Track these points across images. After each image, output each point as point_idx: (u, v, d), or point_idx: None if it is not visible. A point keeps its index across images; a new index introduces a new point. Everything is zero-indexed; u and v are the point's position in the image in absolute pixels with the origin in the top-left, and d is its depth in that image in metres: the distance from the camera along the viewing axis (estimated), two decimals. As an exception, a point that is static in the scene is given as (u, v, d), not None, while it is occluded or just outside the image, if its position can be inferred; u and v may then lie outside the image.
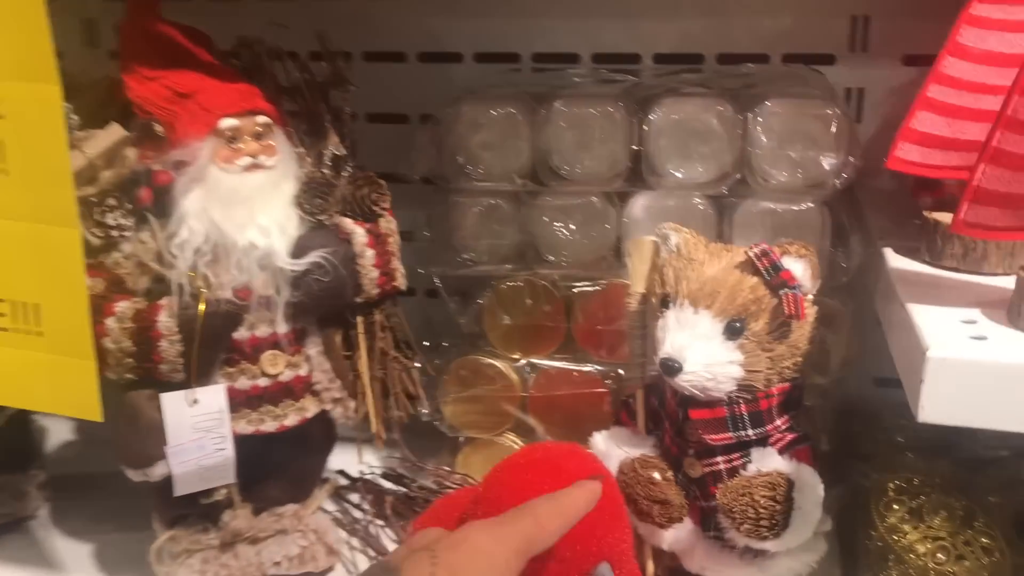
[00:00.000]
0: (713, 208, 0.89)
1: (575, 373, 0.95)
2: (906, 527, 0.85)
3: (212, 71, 0.76)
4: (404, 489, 0.96)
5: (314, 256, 0.77)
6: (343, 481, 0.97)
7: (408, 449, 0.96)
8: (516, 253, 0.94)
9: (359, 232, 0.80)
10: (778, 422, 0.75)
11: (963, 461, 0.98)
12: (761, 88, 0.88)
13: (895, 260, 0.74)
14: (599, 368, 0.95)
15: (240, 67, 0.80)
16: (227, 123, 0.74)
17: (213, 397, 0.76)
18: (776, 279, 0.70)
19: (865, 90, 1.01)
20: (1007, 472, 0.97)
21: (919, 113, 0.69)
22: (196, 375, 0.75)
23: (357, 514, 0.96)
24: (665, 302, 0.74)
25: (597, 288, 0.93)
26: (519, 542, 0.55)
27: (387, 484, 0.98)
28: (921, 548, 0.83)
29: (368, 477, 0.99)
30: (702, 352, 0.71)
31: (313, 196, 0.77)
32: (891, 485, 0.90)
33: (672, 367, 0.71)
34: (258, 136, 0.75)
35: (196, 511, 0.83)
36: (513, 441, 0.99)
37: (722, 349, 0.71)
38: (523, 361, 0.96)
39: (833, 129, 0.82)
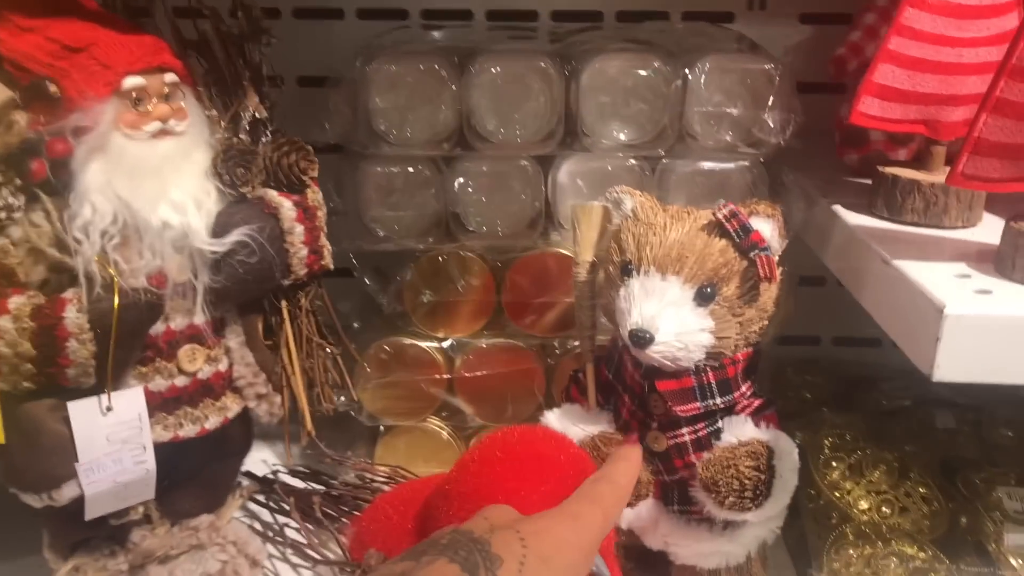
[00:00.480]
0: (647, 170, 0.85)
1: (506, 350, 0.89)
2: (847, 484, 0.86)
3: (105, 21, 0.64)
4: (324, 488, 0.87)
5: (237, 234, 0.67)
6: (254, 485, 0.88)
7: (320, 442, 0.87)
8: (437, 225, 0.87)
9: (287, 205, 0.71)
10: (743, 388, 0.72)
11: (871, 414, 1.00)
12: (690, 43, 0.85)
13: (854, 218, 0.73)
14: (532, 343, 0.89)
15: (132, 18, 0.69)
16: (131, 82, 0.63)
17: (130, 402, 0.65)
18: (746, 241, 0.67)
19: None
20: (915, 420, 1.00)
21: (881, 66, 0.68)
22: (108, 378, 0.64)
23: (275, 519, 0.87)
24: (627, 270, 0.70)
25: (528, 257, 0.88)
26: (596, 535, 0.53)
27: (303, 483, 0.89)
28: (864, 504, 0.84)
29: (282, 478, 0.89)
30: (673, 321, 0.67)
31: (233, 165, 0.67)
32: (826, 443, 0.90)
33: (643, 338, 0.67)
34: (166, 97, 0.65)
35: (102, 534, 0.72)
36: (438, 426, 0.93)
37: (693, 316, 0.68)
38: (449, 340, 0.90)
39: (774, 86, 0.80)
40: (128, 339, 0.64)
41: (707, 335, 0.68)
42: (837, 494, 0.85)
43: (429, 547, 0.47)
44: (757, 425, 0.71)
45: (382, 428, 0.93)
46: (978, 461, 0.89)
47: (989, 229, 0.70)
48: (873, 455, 0.87)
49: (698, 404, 0.70)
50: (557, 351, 0.90)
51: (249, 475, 0.88)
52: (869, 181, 0.84)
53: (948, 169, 0.72)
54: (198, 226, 0.66)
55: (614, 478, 0.60)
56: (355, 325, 0.91)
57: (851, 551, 0.77)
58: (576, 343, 0.89)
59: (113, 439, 0.65)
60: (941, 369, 0.55)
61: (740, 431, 0.70)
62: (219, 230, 0.67)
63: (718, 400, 0.70)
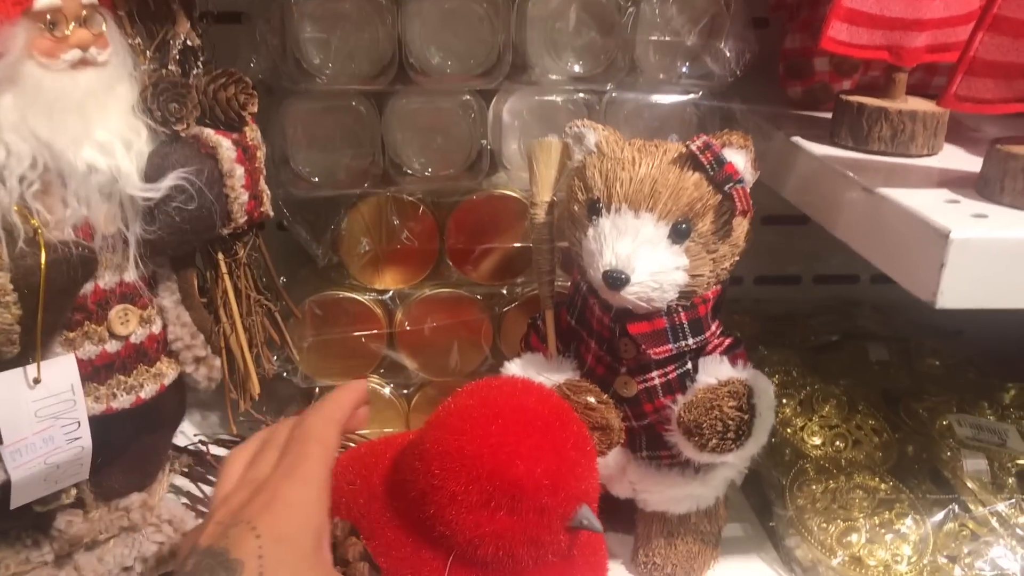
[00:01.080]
0: (596, 104, 0.81)
1: (450, 300, 0.84)
2: (799, 420, 0.86)
3: (5, -70, 0.55)
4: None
5: (173, 178, 0.59)
6: (186, 458, 0.80)
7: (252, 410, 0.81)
8: (373, 168, 0.81)
9: (226, 145, 0.63)
10: (713, 327, 0.70)
11: (802, 351, 1.01)
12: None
13: (819, 148, 0.71)
14: (477, 292, 0.85)
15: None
16: (44, 2, 0.54)
17: (61, 372, 0.57)
18: (721, 174, 0.64)
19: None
20: (847, 354, 1.01)
21: (851, -12, 0.66)
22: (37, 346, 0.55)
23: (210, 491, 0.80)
24: (595, 209, 0.66)
25: (472, 201, 0.83)
26: (321, 473, 0.53)
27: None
28: (817, 439, 0.84)
29: (213, 449, 0.82)
30: (649, 259, 0.64)
31: (165, 100, 0.59)
32: (774, 380, 0.90)
33: (618, 279, 0.64)
34: (84, 21, 0.56)
35: (23, 523, 0.64)
36: (378, 383, 0.87)
37: (668, 254, 0.65)
38: (389, 292, 0.84)
39: (728, 15, 0.77)
40: (58, 300, 0.56)
41: (681, 273, 0.66)
42: (789, 431, 0.85)
43: (178, 574, 0.48)
44: (733, 364, 0.69)
45: (317, 390, 0.87)
46: (916, 391, 0.90)
47: (952, 157, 0.70)
48: (822, 390, 0.87)
49: (670, 346, 0.68)
50: (505, 300, 0.86)
51: (176, 448, 0.81)
52: (814, 114, 0.84)
53: (909, 97, 0.72)
54: (128, 169, 0.58)
55: (325, 407, 0.57)
56: (282, 280, 0.84)
57: (814, 486, 0.77)
58: (525, 290, 0.85)
59: (43, 415, 0.56)
60: (944, 296, 0.53)
61: (717, 371, 0.68)
62: (152, 174, 0.59)
63: (690, 341, 0.68)
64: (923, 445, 0.83)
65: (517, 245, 0.83)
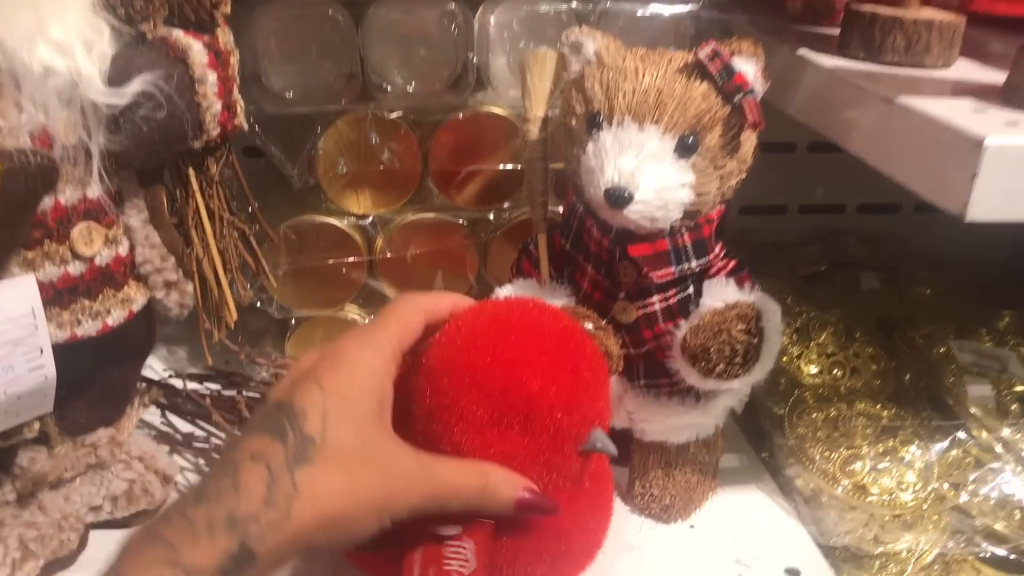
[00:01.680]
0: (587, 16, 0.76)
1: (434, 226, 0.80)
2: (795, 349, 0.83)
3: None
4: (236, 390, 0.76)
5: (139, 83, 0.54)
6: (157, 390, 0.75)
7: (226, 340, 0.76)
8: (351, 83, 0.75)
9: (196, 48, 0.58)
10: (716, 250, 0.67)
11: (792, 280, 0.99)
12: None
13: (829, 60, 0.67)
14: (462, 217, 0.80)
15: None
16: None
17: (20, 294, 0.52)
18: (730, 84, 0.60)
19: None
20: (838, 283, 0.99)
21: None
22: (-9, 265, 0.50)
23: (183, 426, 0.75)
24: (595, 122, 0.62)
25: (456, 119, 0.78)
26: (393, 346, 0.53)
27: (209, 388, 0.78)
28: (814, 368, 0.82)
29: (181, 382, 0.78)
30: (654, 176, 0.60)
31: (129, -4, 0.54)
32: (769, 308, 0.87)
33: (620, 197, 0.60)
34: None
35: (-18, 460, 0.59)
36: (357, 315, 0.83)
37: (674, 170, 0.61)
38: (369, 217, 0.79)
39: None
40: (15, 215, 0.50)
41: (687, 191, 0.62)
42: (785, 359, 0.82)
43: (247, 427, 0.51)
44: (740, 287, 0.65)
45: (293, 321, 0.82)
46: (912, 318, 0.88)
47: (968, 69, 0.66)
48: (818, 317, 0.85)
49: (672, 269, 0.64)
50: (491, 226, 0.81)
51: (146, 380, 0.76)
52: (816, 29, 0.80)
53: (925, 7, 0.68)
54: (90, 72, 0.52)
55: (417, 298, 0.58)
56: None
57: (814, 415, 0.75)
58: (513, 215, 0.81)
59: (1, 341, 0.51)
60: (975, 207, 0.50)
61: (723, 293, 0.65)
62: (117, 78, 0.54)
63: (693, 263, 0.65)
64: (921, 373, 0.81)
65: (505, 167, 0.79)
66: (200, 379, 0.79)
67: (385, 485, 0.49)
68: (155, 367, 0.84)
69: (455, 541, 0.54)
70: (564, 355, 0.56)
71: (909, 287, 0.97)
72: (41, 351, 0.53)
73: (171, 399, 0.76)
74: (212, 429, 0.74)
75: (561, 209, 0.70)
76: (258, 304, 0.78)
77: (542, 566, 0.58)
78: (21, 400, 0.54)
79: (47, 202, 0.54)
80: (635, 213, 0.61)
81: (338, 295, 0.81)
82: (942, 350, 0.81)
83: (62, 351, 0.56)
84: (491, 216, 0.81)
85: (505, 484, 0.53)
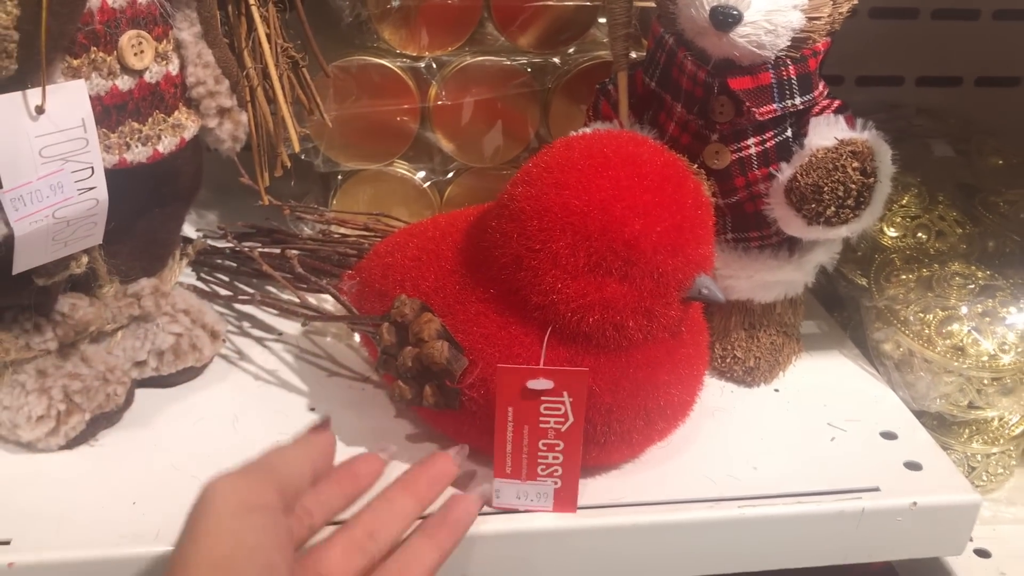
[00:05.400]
0: None
1: (493, 70, 0.73)
2: (878, 210, 0.78)
3: None
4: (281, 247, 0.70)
5: None
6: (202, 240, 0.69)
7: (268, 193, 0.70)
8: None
9: None
10: (821, 87, 0.61)
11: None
12: None
13: None
14: (526, 61, 0.74)
15: None
16: None
17: (70, 101, 0.45)
18: None
19: None
20: (908, 152, 0.93)
21: None
22: (37, 66, 0.43)
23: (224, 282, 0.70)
24: (695, -68, 0.55)
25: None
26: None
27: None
28: (894, 231, 0.77)
29: (228, 233, 0.71)
30: (764, -6, 0.54)
31: None
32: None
33: (727, 17, 0.54)
34: None
35: (22, 301, 0.53)
36: (406, 171, 0.76)
37: (786, -11, 0.55)
38: (423, 60, 0.73)
39: None
40: (67, 3, 0.43)
41: (798, 14, 0.56)
42: (868, 221, 0.77)
43: None
44: (850, 126, 0.60)
45: (340, 176, 0.76)
46: (993, 185, 0.83)
47: None
48: (899, 179, 0.79)
49: (775, 105, 0.59)
50: (557, 71, 0.75)
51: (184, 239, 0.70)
52: None
53: None
54: None
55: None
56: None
57: (903, 276, 0.70)
58: (581, 60, 0.74)
59: (49, 155, 0.45)
60: None
61: (833, 131, 0.59)
62: None
63: (797, 100, 0.59)
64: (1006, 239, 0.77)
65: (573, 4, 0.72)
66: (241, 237, 0.73)
67: None
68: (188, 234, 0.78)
69: (549, 396, 0.49)
70: (667, 193, 0.50)
71: (980, 156, 0.92)
72: (92, 170, 0.47)
73: (209, 259, 0.70)
74: (251, 291, 0.68)
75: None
76: (302, 156, 0.72)
77: (638, 421, 0.53)
78: (70, 226, 0.48)
79: (95, 1, 0.47)
80: (743, 36, 0.55)
81: (388, 147, 0.74)
82: (1030, 215, 0.76)
83: (111, 177, 0.50)
84: (556, 60, 0.74)
85: None
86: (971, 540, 0.63)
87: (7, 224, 0.45)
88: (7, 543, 0.49)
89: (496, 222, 0.52)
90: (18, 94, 0.44)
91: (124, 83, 0.50)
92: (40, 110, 0.44)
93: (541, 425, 0.50)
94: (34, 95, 0.44)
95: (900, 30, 1.04)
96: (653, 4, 0.64)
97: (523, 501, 0.53)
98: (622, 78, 0.64)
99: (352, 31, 0.72)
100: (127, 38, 0.49)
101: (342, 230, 0.72)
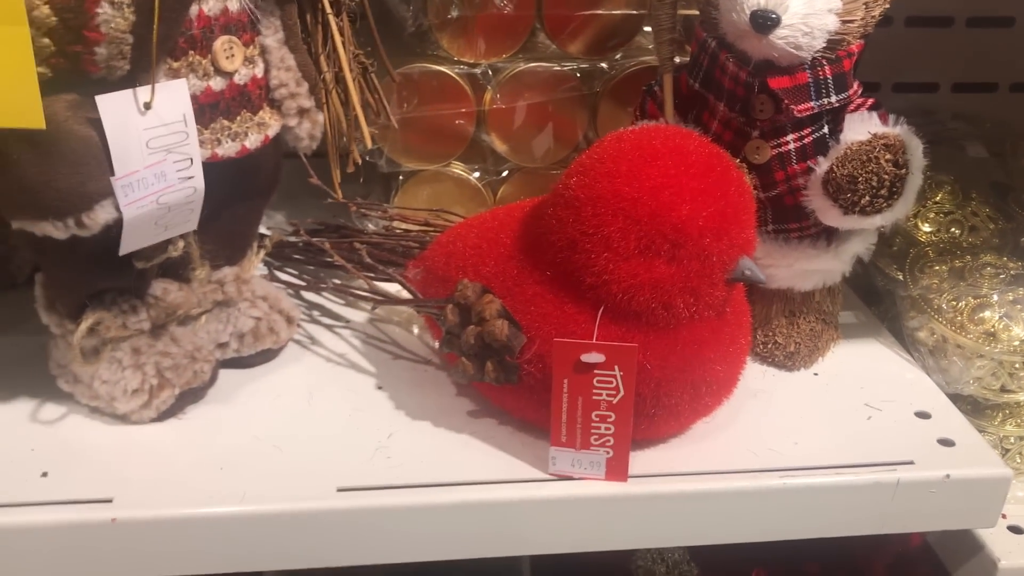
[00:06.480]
0: None
1: (545, 75, 0.78)
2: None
3: None
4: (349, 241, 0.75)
5: None
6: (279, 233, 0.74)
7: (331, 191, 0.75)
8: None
9: None
10: (855, 86, 0.65)
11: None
12: None
13: None
14: (576, 67, 0.78)
15: None
16: None
17: (173, 98, 0.50)
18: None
19: None
20: (942, 153, 0.96)
21: None
22: (147, 66, 0.49)
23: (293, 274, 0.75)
24: (739, -58, 0.59)
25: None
26: None
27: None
28: (928, 226, 0.80)
29: (300, 228, 0.77)
30: (803, -1, 0.58)
31: None
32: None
33: (766, 20, 0.59)
34: None
35: (121, 284, 0.59)
36: (462, 171, 0.81)
37: (822, -6, 0.59)
38: (479, 67, 0.78)
39: None
40: (173, 10, 0.49)
41: (833, 18, 0.60)
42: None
43: None
44: (884, 122, 0.64)
45: (401, 177, 0.81)
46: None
47: None
48: (933, 177, 0.82)
49: (812, 103, 0.62)
50: (605, 76, 0.79)
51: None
52: None
53: None
54: None
55: None
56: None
57: (937, 267, 0.73)
58: (628, 65, 0.79)
59: (155, 146, 0.50)
60: None
61: (867, 126, 0.63)
62: None
63: (833, 98, 0.63)
64: (1036, 235, 0.80)
65: (621, 11, 0.76)
66: (311, 233, 0.78)
67: None
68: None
69: (602, 369, 0.54)
70: (712, 180, 0.55)
71: (1015, 158, 0.95)
72: (191, 161, 0.52)
73: (281, 253, 0.76)
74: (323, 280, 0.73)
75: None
76: (367, 157, 0.77)
77: (685, 395, 0.57)
78: (171, 212, 0.53)
79: (193, 9, 0.52)
80: (781, 39, 0.59)
81: (446, 149, 0.79)
82: (1064, 212, 0.79)
83: (203, 170, 0.55)
84: (604, 65, 0.79)
85: None
86: (1004, 517, 0.66)
87: (118, 208, 0.50)
88: (109, 501, 0.54)
89: (552, 210, 0.56)
90: (130, 91, 0.49)
91: (217, 84, 0.55)
92: (148, 106, 0.50)
93: (594, 397, 0.54)
94: (143, 93, 0.49)
95: (935, 37, 1.07)
96: (696, 11, 0.68)
97: (577, 469, 0.57)
98: (668, 80, 0.68)
99: (414, 40, 0.77)
100: (220, 43, 0.54)
101: (404, 226, 0.77)
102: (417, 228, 0.75)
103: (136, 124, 0.49)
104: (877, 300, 0.81)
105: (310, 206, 0.81)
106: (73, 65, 0.47)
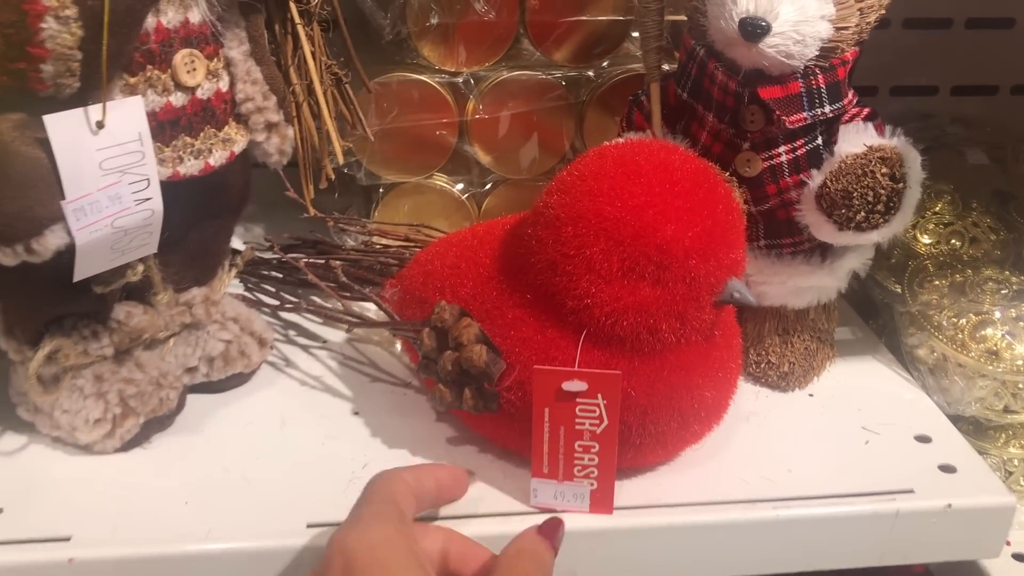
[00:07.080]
0: None
1: (530, 84, 0.75)
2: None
3: None
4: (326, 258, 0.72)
5: None
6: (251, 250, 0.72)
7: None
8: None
9: None
10: (850, 95, 0.62)
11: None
12: None
13: None
14: (561, 76, 0.75)
15: None
16: None
17: (127, 116, 0.48)
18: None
19: None
20: (942, 160, 0.94)
21: None
22: (98, 83, 0.46)
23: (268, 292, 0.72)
24: (725, -52, 0.57)
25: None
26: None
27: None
28: (928, 238, 0.77)
29: (275, 245, 0.74)
30: (793, 5, 0.56)
31: None
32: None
33: (756, 28, 0.56)
34: None
35: (81, 309, 0.56)
36: (444, 183, 0.79)
37: (813, 0, 0.56)
38: (461, 76, 0.75)
39: None
40: (124, 23, 0.46)
41: (826, 24, 0.58)
42: (900, 227, 0.78)
43: None
44: (879, 133, 0.61)
45: (381, 189, 0.78)
46: (1025, 193, 0.84)
47: None
48: (932, 187, 0.80)
49: (805, 114, 0.60)
50: (591, 85, 0.76)
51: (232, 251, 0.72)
52: None
53: None
54: None
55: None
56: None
57: (937, 281, 0.71)
58: (614, 73, 0.76)
59: (109, 167, 0.47)
60: None
61: (862, 138, 0.60)
62: None
63: (827, 108, 0.60)
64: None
65: (606, 18, 0.74)
66: (286, 249, 0.75)
67: None
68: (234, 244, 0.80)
69: (584, 398, 0.51)
70: (698, 198, 0.52)
71: (1016, 164, 0.92)
72: (148, 182, 0.49)
73: (255, 270, 0.73)
74: (295, 300, 0.70)
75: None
76: (345, 170, 0.74)
77: (673, 423, 0.55)
78: (128, 236, 0.50)
79: (150, 22, 0.49)
80: (771, 47, 0.57)
81: (428, 160, 0.76)
82: (1067, 221, 0.76)
83: (165, 190, 0.52)
84: (590, 73, 0.76)
85: None
86: (1008, 544, 0.64)
87: (69, 233, 0.47)
88: (67, 539, 0.51)
89: (532, 229, 0.53)
90: (80, 110, 0.46)
91: (178, 99, 0.52)
92: (100, 125, 0.47)
93: (577, 427, 0.52)
94: (95, 111, 0.47)
95: (934, 40, 1.05)
96: (684, 17, 0.66)
97: (560, 501, 0.54)
98: (655, 89, 0.66)
99: (392, 48, 0.74)
100: (180, 56, 0.51)
101: (384, 241, 0.74)
102: (397, 244, 0.72)
103: (88, 144, 0.47)
104: (874, 313, 0.79)
105: (289, 218, 0.78)
106: (18, 83, 0.44)
